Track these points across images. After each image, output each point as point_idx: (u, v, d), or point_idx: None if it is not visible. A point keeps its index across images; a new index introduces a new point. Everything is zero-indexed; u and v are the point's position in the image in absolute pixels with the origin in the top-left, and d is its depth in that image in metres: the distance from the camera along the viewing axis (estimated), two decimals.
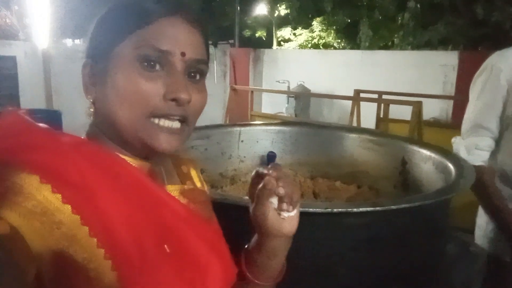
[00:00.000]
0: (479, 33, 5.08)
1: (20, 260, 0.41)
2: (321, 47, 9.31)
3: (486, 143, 1.36)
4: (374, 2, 6.42)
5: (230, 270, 0.64)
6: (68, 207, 0.46)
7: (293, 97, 5.48)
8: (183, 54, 0.56)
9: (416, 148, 1.48)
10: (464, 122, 1.44)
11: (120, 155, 0.57)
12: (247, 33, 10.51)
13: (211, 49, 7.01)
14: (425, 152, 1.42)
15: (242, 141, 1.80)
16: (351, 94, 3.99)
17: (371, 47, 6.48)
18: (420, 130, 2.45)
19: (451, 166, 1.23)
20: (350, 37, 8.16)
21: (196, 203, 0.67)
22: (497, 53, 1.37)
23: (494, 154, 1.40)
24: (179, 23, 0.57)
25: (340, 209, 0.91)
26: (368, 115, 3.83)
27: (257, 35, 10.71)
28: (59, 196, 0.46)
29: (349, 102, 4.63)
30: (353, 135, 1.75)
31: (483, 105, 1.37)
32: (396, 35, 6.16)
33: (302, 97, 5.50)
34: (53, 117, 3.73)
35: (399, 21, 5.99)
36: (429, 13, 5.48)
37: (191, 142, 1.64)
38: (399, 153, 1.57)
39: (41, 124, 0.53)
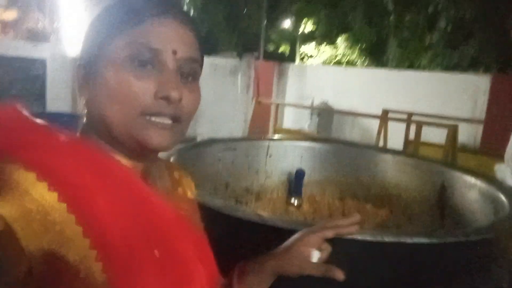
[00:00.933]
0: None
1: (12, 256, 0.42)
2: (344, 64, 9.24)
3: None
4: (403, 20, 6.33)
5: (214, 278, 0.64)
6: (63, 206, 0.45)
7: (316, 114, 5.41)
8: (174, 52, 0.56)
9: (458, 173, 1.39)
10: (508, 149, 1.37)
11: (114, 156, 0.57)
12: (270, 46, 10.53)
13: (236, 61, 7.08)
14: (469, 178, 1.33)
15: (270, 155, 1.73)
16: (376, 113, 3.90)
17: (398, 66, 6.38)
18: (455, 154, 2.35)
19: (501, 195, 1.14)
20: (375, 56, 8.07)
21: (185, 210, 0.67)
22: None
23: None
24: (170, 22, 0.57)
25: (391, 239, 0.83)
26: (394, 136, 3.73)
27: (280, 49, 10.72)
28: (55, 194, 0.45)
29: (372, 122, 4.54)
30: (386, 156, 1.66)
31: None
32: (424, 55, 6.04)
33: (325, 114, 5.42)
34: (77, 121, 3.73)
35: (428, 41, 5.87)
36: (459, 33, 5.36)
37: (218, 154, 1.58)
38: (437, 178, 1.47)
39: (38, 120, 0.53)
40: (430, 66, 5.99)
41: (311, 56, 10.29)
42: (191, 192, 0.75)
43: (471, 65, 5.38)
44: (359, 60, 9.14)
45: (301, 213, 1.65)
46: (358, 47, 9.00)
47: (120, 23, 0.57)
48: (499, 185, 1.22)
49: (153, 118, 0.56)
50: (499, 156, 2.89)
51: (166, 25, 0.57)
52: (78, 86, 0.61)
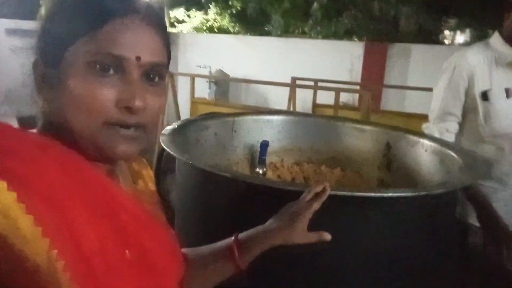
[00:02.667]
0: (378, 27, 5.72)
1: None
2: (216, 30, 9.38)
3: (454, 127, 1.67)
4: None
5: (181, 267, 0.68)
6: (30, 218, 0.44)
7: (213, 82, 5.51)
8: (138, 58, 0.54)
9: (400, 133, 1.71)
10: (433, 110, 1.73)
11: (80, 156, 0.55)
12: None
13: None
14: (411, 137, 1.65)
15: (235, 131, 1.83)
16: (268, 79, 4.19)
17: (281, 35, 6.81)
18: (367, 117, 2.76)
19: (444, 148, 1.48)
20: (256, 24, 8.41)
21: (148, 203, 0.70)
22: (457, 53, 1.68)
23: (457, 136, 1.71)
24: (134, 24, 0.54)
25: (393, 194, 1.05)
26: (282, 101, 4.09)
27: None
28: (23, 206, 0.44)
29: (267, 88, 4.88)
30: (337, 123, 1.91)
31: (450, 95, 1.66)
32: (305, 25, 6.57)
33: (221, 82, 5.56)
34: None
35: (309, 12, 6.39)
36: (335, 6, 5.98)
37: (195, 135, 1.62)
38: (382, 138, 1.78)
39: (5, 124, 0.51)
40: (311, 35, 6.56)
41: (182, 22, 10.17)
42: (151, 183, 0.76)
43: (346, 34, 6.08)
44: (229, 27, 9.39)
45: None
46: (227, 14, 9.21)
47: (79, 25, 0.53)
48: (439, 140, 1.57)
49: (117, 128, 0.55)
50: (375, 111, 3.54)
51: (129, 27, 0.54)
52: (36, 86, 0.57)
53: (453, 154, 1.41)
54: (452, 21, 6.77)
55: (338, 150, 1.91)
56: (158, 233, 0.62)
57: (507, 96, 1.60)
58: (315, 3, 5.95)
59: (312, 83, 3.61)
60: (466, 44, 8.29)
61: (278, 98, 4.22)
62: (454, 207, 1.19)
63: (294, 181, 1.76)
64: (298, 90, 3.39)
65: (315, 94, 3.61)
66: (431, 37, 6.81)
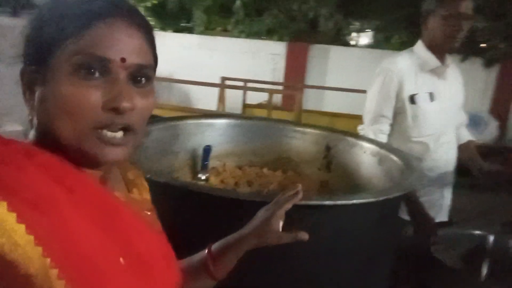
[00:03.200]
0: (298, 27, 5.93)
1: None
2: None
3: (387, 128, 1.80)
4: None
5: (177, 276, 0.68)
6: (22, 227, 0.44)
7: None
8: (123, 60, 0.54)
9: (340, 135, 1.79)
10: (367, 113, 1.84)
11: (71, 164, 0.55)
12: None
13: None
14: (350, 139, 1.74)
15: (177, 135, 1.76)
16: (191, 78, 4.13)
17: (204, 33, 6.72)
18: (300, 118, 2.85)
19: (381, 150, 1.58)
20: (175, 20, 8.17)
21: (143, 211, 0.70)
22: (389, 59, 1.81)
23: (388, 137, 1.84)
24: (119, 26, 0.55)
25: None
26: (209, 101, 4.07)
27: None
28: (14, 215, 0.44)
29: (190, 87, 4.77)
30: (277, 125, 1.94)
31: (382, 99, 1.78)
32: (228, 22, 6.56)
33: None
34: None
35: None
36: (256, 5, 6.06)
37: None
38: (321, 140, 1.85)
39: None
40: (234, 33, 6.57)
41: None
42: (146, 192, 0.76)
43: (268, 33, 6.20)
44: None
45: (210, 185, 1.77)
46: (143, 8, 8.84)
47: (63, 29, 0.53)
48: (376, 142, 1.67)
49: (104, 132, 0.54)
50: (294, 110, 3.70)
51: (114, 30, 0.54)
52: (24, 94, 0.57)
53: (391, 155, 1.51)
54: (357, 24, 7.26)
55: (279, 152, 1.94)
56: (152, 240, 0.62)
57: (431, 100, 1.76)
58: (237, 1, 5.97)
59: (241, 83, 3.62)
60: (370, 46, 8.99)
61: (204, 97, 4.16)
62: (399, 206, 1.27)
63: (238, 186, 1.75)
64: (226, 90, 3.39)
65: (245, 94, 3.63)
66: (342, 38, 7.26)
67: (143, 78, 0.57)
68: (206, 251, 0.80)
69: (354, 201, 0.97)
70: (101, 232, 0.52)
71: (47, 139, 0.55)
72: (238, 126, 1.93)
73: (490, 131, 4.71)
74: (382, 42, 7.17)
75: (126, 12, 0.56)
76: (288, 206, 0.85)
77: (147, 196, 0.75)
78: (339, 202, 0.97)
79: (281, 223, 0.84)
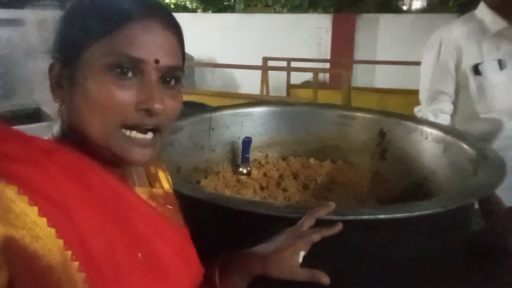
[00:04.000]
0: None
1: None
2: (172, 6, 8.97)
3: (449, 106, 1.56)
4: None
5: (197, 273, 0.67)
6: (44, 220, 0.45)
7: None
8: (156, 61, 0.55)
9: (395, 119, 1.57)
10: (423, 91, 1.61)
11: (93, 161, 0.56)
12: None
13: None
14: (409, 123, 1.51)
15: (213, 129, 1.63)
16: (235, 59, 3.97)
17: (244, 10, 6.50)
18: (349, 97, 2.61)
19: (447, 136, 1.35)
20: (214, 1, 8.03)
21: (164, 206, 0.68)
22: (443, 27, 1.56)
23: (451, 116, 1.60)
24: (152, 27, 0.55)
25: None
26: (252, 83, 3.87)
27: None
28: (35, 208, 0.45)
29: (232, 70, 4.62)
30: (322, 111, 1.75)
31: (440, 73, 1.55)
32: None
33: (187, 66, 5.27)
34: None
35: None
36: None
37: (168, 139, 1.41)
38: (374, 125, 1.64)
39: (13, 129, 0.51)
40: (275, 8, 6.30)
41: None
42: (169, 185, 0.74)
43: (311, 6, 5.87)
44: (187, 2, 8.97)
45: (252, 179, 1.64)
46: None
47: (98, 27, 0.53)
48: (441, 126, 1.43)
49: (133, 135, 0.55)
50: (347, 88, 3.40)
51: (148, 31, 0.54)
52: (52, 89, 0.58)
53: (460, 142, 1.28)
54: None
55: (326, 140, 1.76)
56: (171, 236, 0.62)
57: (501, 68, 1.51)
58: None
59: (284, 63, 3.40)
60: (423, 10, 8.29)
61: (247, 79, 4.00)
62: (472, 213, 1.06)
63: (282, 179, 1.59)
64: (270, 71, 3.20)
65: (288, 75, 3.42)
66: (392, 4, 6.74)
67: (172, 79, 0.58)
68: (215, 268, 0.72)
69: (416, 213, 0.77)
70: (119, 228, 0.52)
71: (73, 135, 0.56)
72: (279, 113, 1.76)
73: None
74: (437, 5, 6.57)
75: (159, 13, 0.56)
76: (317, 238, 0.71)
77: (169, 189, 0.74)
78: (392, 216, 0.77)
79: (301, 255, 0.69)
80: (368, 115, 1.65)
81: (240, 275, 0.70)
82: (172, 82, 0.58)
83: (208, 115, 1.60)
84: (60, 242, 0.46)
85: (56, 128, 0.59)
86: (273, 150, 1.78)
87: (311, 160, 1.75)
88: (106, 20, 0.53)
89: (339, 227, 0.73)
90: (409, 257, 0.88)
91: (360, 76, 4.92)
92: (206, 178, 1.61)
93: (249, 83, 3.97)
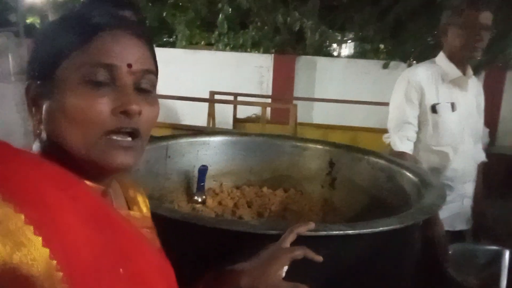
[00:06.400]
0: (283, 38, 5.88)
1: None
2: None
3: (413, 135, 1.77)
4: (186, 2, 6.53)
5: None
6: (30, 228, 0.45)
7: None
8: (129, 65, 0.56)
9: (343, 150, 1.68)
10: (391, 120, 1.82)
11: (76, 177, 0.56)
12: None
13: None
14: (355, 154, 1.63)
15: (169, 156, 1.63)
16: (177, 93, 3.99)
17: (187, 46, 6.60)
18: (295, 130, 2.73)
19: (391, 165, 1.47)
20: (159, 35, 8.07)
21: (143, 229, 0.69)
22: (409, 70, 1.82)
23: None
24: (122, 37, 0.57)
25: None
26: (197, 116, 3.91)
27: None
28: (21, 216, 0.45)
29: (176, 102, 4.62)
30: (275, 141, 1.82)
31: (407, 106, 1.77)
32: (212, 36, 6.45)
33: None
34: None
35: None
36: (241, 18, 5.99)
37: None
38: (324, 155, 1.74)
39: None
40: (218, 46, 6.48)
41: None
42: (146, 209, 0.75)
43: (253, 46, 6.12)
44: None
45: (207, 207, 1.64)
46: None
47: (68, 41, 0.54)
48: (384, 156, 1.57)
49: (114, 137, 0.55)
50: (285, 123, 3.56)
51: (117, 39, 0.56)
52: (29, 108, 0.58)
53: (403, 170, 1.41)
54: (338, 35, 7.29)
55: (279, 170, 1.82)
56: (151, 256, 0.62)
57: (452, 110, 1.76)
58: (220, 14, 5.88)
59: (231, 97, 3.49)
60: (352, 56, 9.02)
61: (192, 113, 4.02)
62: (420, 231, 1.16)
63: (237, 208, 1.61)
64: (216, 104, 3.26)
65: (235, 109, 3.51)
66: (326, 49, 7.26)
67: (147, 85, 0.58)
68: (203, 280, 0.75)
69: (380, 229, 0.85)
70: (102, 242, 0.52)
71: (53, 151, 0.56)
72: (234, 143, 1.81)
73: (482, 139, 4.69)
74: (366, 52, 7.19)
75: (128, 22, 0.58)
76: (299, 255, 0.76)
77: (147, 213, 0.74)
78: (361, 231, 0.84)
79: (285, 269, 0.74)
80: (318, 146, 1.75)
81: None
82: (148, 88, 0.59)
83: (165, 143, 1.60)
84: (46, 251, 0.45)
85: (34, 148, 0.59)
86: (228, 179, 1.81)
87: (264, 189, 1.80)
88: (76, 34, 0.54)
89: (320, 258, 0.78)
90: (368, 271, 0.94)
91: (300, 113, 5.17)
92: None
93: (194, 116, 4.00)
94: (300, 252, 0.76)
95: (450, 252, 1.61)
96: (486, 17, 1.65)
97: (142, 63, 0.57)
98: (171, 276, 0.67)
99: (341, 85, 5.41)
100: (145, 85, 0.58)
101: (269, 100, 5.42)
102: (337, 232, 0.81)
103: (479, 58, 1.75)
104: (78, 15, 0.57)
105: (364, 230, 0.83)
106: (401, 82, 1.79)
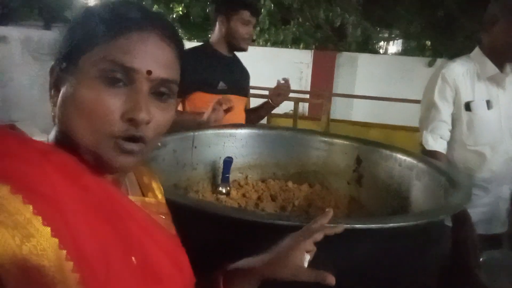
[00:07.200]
0: (324, 35, 5.79)
1: None
2: None
3: (446, 133, 1.70)
4: None
5: (189, 282, 0.67)
6: (39, 219, 0.45)
7: None
8: (149, 72, 0.54)
9: (371, 147, 1.64)
10: (423, 118, 1.75)
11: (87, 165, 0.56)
12: None
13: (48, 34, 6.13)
14: (384, 151, 1.58)
15: (195, 147, 1.66)
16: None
17: None
18: (328, 126, 2.69)
19: (420, 164, 1.42)
20: (186, 28, 8.22)
21: (157, 215, 0.69)
22: (444, 65, 1.74)
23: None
24: (149, 38, 0.55)
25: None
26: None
27: None
28: (30, 207, 0.45)
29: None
30: (303, 136, 1.81)
31: (440, 103, 1.70)
32: (253, 31, 6.47)
33: None
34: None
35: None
36: (282, 14, 5.96)
37: (151, 153, 1.43)
38: (351, 152, 1.70)
39: (9, 129, 0.53)
40: (258, 42, 6.49)
41: None
42: (161, 196, 0.75)
43: (294, 42, 6.08)
44: None
45: (231, 199, 1.66)
46: (170, 18, 8.97)
47: (96, 34, 0.54)
48: (414, 154, 1.51)
49: (120, 142, 0.54)
50: (320, 119, 3.50)
51: (144, 41, 0.54)
52: (50, 91, 0.58)
53: (431, 169, 1.35)
54: (386, 32, 7.06)
55: (305, 165, 1.81)
56: (164, 243, 0.62)
57: (488, 108, 1.67)
58: (262, 10, 5.89)
59: (266, 92, 3.49)
60: (398, 53, 8.70)
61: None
62: (444, 231, 1.12)
63: (261, 200, 1.62)
64: (251, 99, 3.28)
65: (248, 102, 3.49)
66: (370, 47, 7.06)
67: (165, 93, 0.57)
68: (220, 273, 0.73)
69: (391, 225, 0.82)
70: (113, 232, 0.52)
71: (65, 138, 0.56)
72: (261, 136, 1.81)
73: None
74: (412, 49, 6.92)
75: (159, 24, 0.56)
76: (318, 237, 0.74)
77: (162, 199, 0.74)
78: (372, 226, 0.82)
79: (307, 258, 0.72)
80: (345, 142, 1.71)
81: (248, 281, 0.71)
82: (165, 96, 0.57)
83: (191, 133, 1.63)
84: (55, 241, 0.45)
85: (52, 133, 0.60)
86: (253, 172, 1.81)
87: (289, 183, 1.79)
88: (105, 28, 0.54)
89: (341, 227, 0.76)
90: (388, 267, 0.92)
91: (339, 109, 5.08)
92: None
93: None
94: (319, 234, 0.74)
95: (484, 257, 1.53)
96: None
97: (164, 71, 0.56)
98: (186, 264, 0.67)
99: (384, 83, 5.25)
100: (163, 92, 0.57)
101: (307, 96, 5.37)
102: (345, 226, 0.78)
103: None
104: (111, 10, 0.56)
105: (372, 226, 0.81)
106: (434, 78, 1.72)
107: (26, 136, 0.52)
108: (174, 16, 9.12)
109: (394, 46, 10.06)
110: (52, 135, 0.59)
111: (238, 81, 2.14)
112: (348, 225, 0.79)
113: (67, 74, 0.55)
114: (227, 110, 1.64)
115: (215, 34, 2.08)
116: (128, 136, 0.54)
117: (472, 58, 1.73)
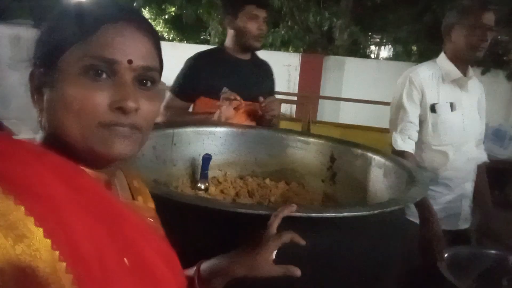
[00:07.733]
0: (313, 38, 5.88)
1: None
2: None
3: (414, 134, 1.79)
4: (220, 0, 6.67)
5: (181, 283, 0.69)
6: (31, 220, 0.45)
7: None
8: (129, 61, 0.56)
9: (345, 147, 1.70)
10: (394, 120, 1.82)
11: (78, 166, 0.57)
12: None
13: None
14: (356, 150, 1.65)
15: (175, 144, 1.71)
16: None
17: (220, 43, 6.72)
18: (309, 127, 2.77)
19: (387, 162, 1.49)
20: (178, 29, 8.26)
21: (146, 219, 0.70)
22: (410, 69, 1.81)
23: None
24: (126, 30, 0.57)
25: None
26: None
27: None
28: (22, 208, 0.45)
29: None
30: (281, 135, 1.87)
31: (408, 106, 1.79)
32: None
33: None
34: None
35: None
36: (272, 17, 6.04)
37: None
38: (326, 151, 1.77)
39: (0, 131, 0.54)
40: None
41: None
42: (150, 201, 0.76)
43: (282, 45, 6.17)
44: (164, 33, 9.18)
45: (209, 195, 1.71)
46: (161, 20, 9.02)
47: (72, 32, 0.55)
48: (382, 153, 1.58)
49: (112, 128, 0.55)
50: (313, 122, 3.58)
51: (121, 32, 0.56)
52: (32, 96, 0.59)
53: (397, 167, 1.42)
54: (377, 37, 7.17)
55: (282, 163, 1.87)
56: (156, 245, 0.62)
57: (451, 110, 1.77)
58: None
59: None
60: (389, 58, 8.83)
61: None
62: (402, 221, 1.18)
63: (238, 197, 1.68)
64: None
65: None
66: (360, 51, 7.17)
67: (149, 81, 0.59)
68: (195, 270, 0.78)
69: (345, 214, 0.88)
70: (106, 232, 0.52)
71: (55, 141, 0.56)
72: (240, 135, 1.87)
73: None
74: (401, 55, 7.04)
75: (133, 17, 0.58)
76: (286, 239, 0.81)
77: (151, 204, 0.76)
78: (326, 215, 0.88)
79: (274, 252, 0.79)
80: (320, 141, 1.78)
81: (221, 279, 0.77)
82: (149, 84, 0.59)
83: (171, 130, 1.68)
84: (48, 241, 0.45)
85: (39, 137, 0.60)
86: (232, 169, 1.87)
87: (267, 181, 1.85)
88: (82, 24, 0.55)
89: (293, 207, 0.84)
90: (348, 258, 0.98)
91: (326, 112, 5.17)
92: None
93: None
94: (286, 237, 0.80)
95: (448, 253, 1.60)
96: (490, 17, 1.66)
97: (144, 59, 0.57)
98: (176, 264, 0.68)
99: (371, 86, 5.35)
100: (146, 81, 0.58)
101: (295, 98, 5.44)
102: (301, 214, 0.85)
103: (479, 59, 1.74)
104: (84, 7, 0.57)
105: (329, 214, 0.87)
106: (402, 82, 1.81)
107: (17, 139, 0.53)
108: (167, 17, 9.18)
109: (386, 51, 10.21)
110: (40, 139, 0.59)
111: (248, 85, 2.02)
112: (304, 214, 0.85)
113: (48, 77, 0.56)
114: (236, 108, 1.67)
115: (227, 37, 2.03)
116: (120, 124, 0.55)
117: (437, 62, 1.83)
